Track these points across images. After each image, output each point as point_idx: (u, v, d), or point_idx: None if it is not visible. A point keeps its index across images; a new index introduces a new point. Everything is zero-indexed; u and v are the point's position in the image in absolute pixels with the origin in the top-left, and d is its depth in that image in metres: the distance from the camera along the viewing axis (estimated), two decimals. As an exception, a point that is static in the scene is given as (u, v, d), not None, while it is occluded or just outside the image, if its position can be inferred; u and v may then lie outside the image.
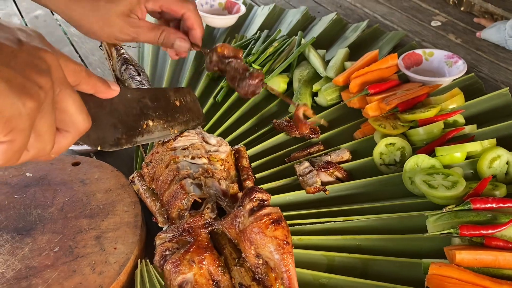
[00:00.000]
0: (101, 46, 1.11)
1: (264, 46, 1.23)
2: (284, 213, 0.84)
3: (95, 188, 0.87)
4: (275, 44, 1.23)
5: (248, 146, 1.00)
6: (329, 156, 0.93)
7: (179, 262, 0.65)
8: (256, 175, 0.92)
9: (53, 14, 1.62)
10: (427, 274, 0.68)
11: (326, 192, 0.86)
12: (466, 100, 1.02)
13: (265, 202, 0.66)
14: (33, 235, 0.79)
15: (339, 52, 1.21)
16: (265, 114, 1.12)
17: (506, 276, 0.69)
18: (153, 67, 1.31)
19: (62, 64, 0.46)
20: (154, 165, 0.82)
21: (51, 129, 0.44)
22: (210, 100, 1.16)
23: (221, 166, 0.82)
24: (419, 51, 1.20)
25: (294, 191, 0.88)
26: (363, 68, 1.09)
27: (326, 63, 1.19)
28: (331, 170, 0.89)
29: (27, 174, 0.90)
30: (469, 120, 0.98)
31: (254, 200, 0.65)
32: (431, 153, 0.90)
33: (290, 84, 1.18)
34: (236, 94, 1.16)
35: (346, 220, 0.82)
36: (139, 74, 1.01)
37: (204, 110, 1.13)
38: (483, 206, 0.75)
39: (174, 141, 0.83)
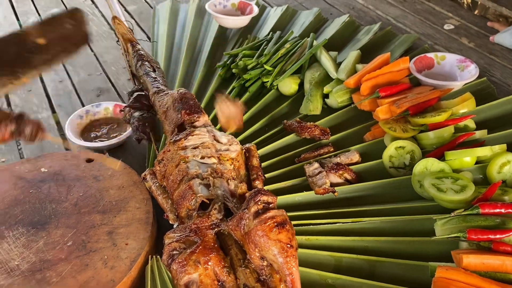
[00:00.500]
0: (118, 41, 1.13)
1: (276, 47, 1.24)
2: (292, 213, 0.85)
3: (108, 184, 0.89)
4: (287, 45, 1.24)
5: (259, 146, 1.01)
6: (339, 158, 0.94)
7: (185, 263, 0.66)
8: (266, 175, 0.93)
9: (69, 12, 1.65)
10: (434, 277, 0.69)
11: (335, 194, 0.87)
12: (477, 105, 1.02)
13: (270, 205, 0.67)
14: (48, 229, 0.81)
15: (351, 55, 1.21)
16: (276, 114, 1.13)
17: (513, 281, 0.69)
18: (166, 64, 1.33)
19: None
20: (165, 163, 0.84)
21: None
22: (222, 100, 1.17)
23: (231, 165, 0.83)
24: (431, 55, 1.20)
25: (303, 192, 0.89)
26: (374, 70, 1.10)
27: (337, 65, 1.20)
28: (341, 172, 0.90)
29: (42, 170, 0.92)
30: (480, 125, 0.98)
31: (259, 203, 0.66)
32: (441, 157, 0.90)
33: (301, 85, 1.18)
34: (247, 94, 1.18)
35: (354, 222, 0.83)
36: (154, 70, 1.03)
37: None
38: (492, 211, 0.75)
39: (185, 140, 0.84)
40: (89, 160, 0.94)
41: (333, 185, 0.89)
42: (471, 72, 1.12)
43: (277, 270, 0.63)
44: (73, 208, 0.84)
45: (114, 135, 1.06)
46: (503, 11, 1.52)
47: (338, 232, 0.82)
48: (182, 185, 0.77)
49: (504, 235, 0.71)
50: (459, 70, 1.16)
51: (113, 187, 0.88)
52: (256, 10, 1.44)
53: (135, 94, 1.00)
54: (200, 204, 0.74)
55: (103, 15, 1.66)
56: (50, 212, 0.84)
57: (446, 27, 1.54)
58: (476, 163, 0.89)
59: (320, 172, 0.90)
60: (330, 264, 0.77)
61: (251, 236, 0.64)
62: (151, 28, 1.50)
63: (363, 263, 0.76)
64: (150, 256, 0.78)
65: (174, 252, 0.68)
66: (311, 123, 1.03)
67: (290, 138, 1.04)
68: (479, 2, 1.58)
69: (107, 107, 1.11)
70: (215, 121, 0.95)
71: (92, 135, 1.06)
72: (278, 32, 1.34)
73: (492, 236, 0.71)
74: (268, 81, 1.18)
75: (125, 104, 1.09)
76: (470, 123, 0.98)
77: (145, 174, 0.88)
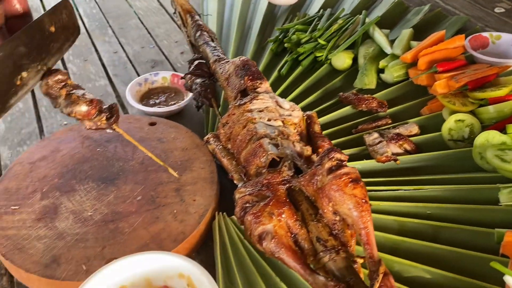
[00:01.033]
0: (175, 13, 1.15)
1: (328, 23, 1.25)
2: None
3: (172, 146, 0.91)
4: (340, 21, 1.25)
5: (314, 117, 1.02)
6: (398, 129, 0.95)
7: (259, 214, 0.68)
8: (324, 144, 0.94)
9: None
10: (502, 241, 0.69)
11: (397, 162, 0.87)
12: (537, 82, 1.01)
13: (343, 163, 0.68)
14: (117, 184, 0.84)
15: (404, 32, 1.21)
16: (329, 88, 1.13)
17: None
18: (218, 37, 1.34)
19: None
20: (230, 126, 0.86)
21: None
22: (275, 74, 1.19)
23: (294, 130, 0.85)
24: (485, 34, 1.19)
25: (364, 160, 0.90)
26: (430, 46, 1.10)
27: (390, 42, 1.20)
28: (401, 142, 0.90)
29: (108, 131, 0.95)
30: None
31: (333, 160, 0.67)
32: (502, 131, 0.90)
33: (354, 60, 1.19)
34: (300, 68, 1.19)
35: (416, 189, 0.84)
36: (212, 40, 1.05)
37: (269, 83, 1.15)
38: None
39: (250, 103, 0.86)
40: (152, 124, 0.97)
41: (393, 154, 0.90)
42: (528, 51, 1.10)
43: (351, 224, 0.64)
44: (140, 166, 0.87)
45: (172, 103, 1.09)
46: (558, -6, 1.49)
47: (400, 198, 0.83)
48: (251, 144, 0.79)
49: None
50: (516, 49, 1.14)
51: (177, 148, 0.91)
52: (305, -12, 1.45)
53: (196, 62, 1.03)
54: (269, 162, 0.76)
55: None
56: (117, 169, 0.87)
57: (497, 10, 1.52)
58: (539, 137, 0.89)
59: (380, 141, 0.90)
60: (394, 228, 0.78)
61: (325, 191, 0.65)
62: (201, 5, 1.52)
63: (427, 227, 0.77)
64: (217, 212, 0.80)
65: (247, 205, 0.70)
66: (368, 95, 1.03)
67: (345, 110, 1.05)
68: (532, -14, 1.55)
69: (165, 77, 1.14)
70: (276, 86, 0.96)
71: (151, 102, 1.09)
72: (328, 10, 1.35)
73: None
74: (321, 56, 1.18)
75: (181, 75, 1.12)
76: (531, 98, 0.96)
77: (208, 138, 0.91)
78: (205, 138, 0.91)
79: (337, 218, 0.66)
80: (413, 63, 1.10)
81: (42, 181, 0.85)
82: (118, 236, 0.74)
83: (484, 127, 0.94)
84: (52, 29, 0.66)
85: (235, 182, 0.82)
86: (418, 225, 0.78)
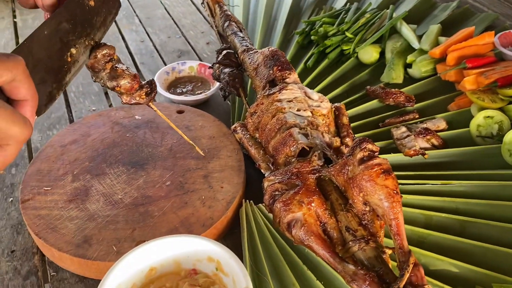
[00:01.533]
0: (203, 3, 1.16)
1: (356, 17, 1.25)
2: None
3: (200, 134, 0.92)
4: (367, 15, 1.24)
5: (340, 110, 1.02)
6: (425, 124, 0.94)
7: (289, 202, 0.68)
8: (351, 136, 0.94)
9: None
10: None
11: (425, 156, 0.87)
12: None
13: (375, 153, 0.68)
14: (146, 169, 0.85)
15: (432, 27, 1.20)
16: (356, 81, 1.13)
17: None
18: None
19: None
20: (259, 115, 0.86)
21: None
22: (301, 66, 1.19)
23: (322, 121, 0.85)
24: (516, 32, 1.17)
25: (391, 154, 0.90)
26: (460, 42, 1.09)
27: (418, 37, 1.19)
28: (429, 137, 0.90)
29: (136, 117, 0.97)
30: None
31: (365, 150, 0.68)
32: (532, 129, 0.89)
33: (381, 54, 1.18)
34: (326, 60, 1.19)
35: (443, 184, 0.83)
36: (240, 31, 1.06)
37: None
38: None
39: (279, 93, 0.87)
40: (180, 112, 0.98)
41: (420, 149, 0.90)
42: (560, 49, 1.09)
43: (381, 215, 0.64)
44: (168, 153, 0.88)
45: (199, 92, 1.10)
46: None
47: (427, 192, 0.82)
48: (280, 133, 0.79)
49: None
50: (547, 47, 1.13)
51: (205, 136, 0.92)
52: (332, -19, 1.44)
53: (224, 51, 1.03)
54: (298, 152, 0.76)
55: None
56: (147, 155, 0.88)
57: (526, 8, 1.50)
58: None
59: (408, 135, 0.90)
60: (421, 221, 0.78)
61: (356, 181, 0.65)
62: (227, -4, 1.53)
63: (454, 222, 0.77)
64: (243, 200, 0.81)
65: (276, 193, 0.71)
66: (396, 89, 1.03)
67: (372, 104, 1.05)
68: None
69: (192, 66, 1.15)
70: (302, 78, 0.96)
71: (178, 91, 1.10)
72: (355, 4, 1.34)
73: None
74: (347, 49, 1.18)
75: (208, 65, 1.13)
76: None
77: (235, 127, 0.91)
78: (232, 127, 0.92)
79: (367, 208, 0.66)
80: (441, 59, 1.09)
81: (73, 164, 0.86)
82: (148, 219, 0.76)
83: (514, 125, 0.93)
84: (92, 3, 0.65)
85: (262, 171, 0.82)
86: (444, 219, 0.77)
